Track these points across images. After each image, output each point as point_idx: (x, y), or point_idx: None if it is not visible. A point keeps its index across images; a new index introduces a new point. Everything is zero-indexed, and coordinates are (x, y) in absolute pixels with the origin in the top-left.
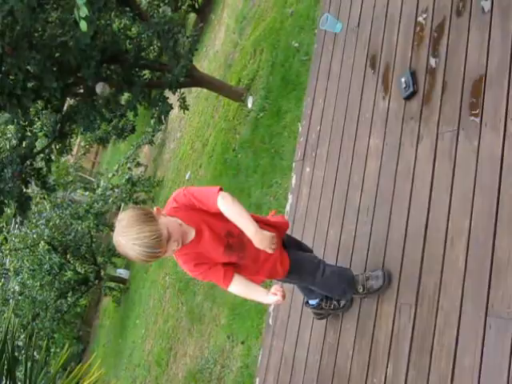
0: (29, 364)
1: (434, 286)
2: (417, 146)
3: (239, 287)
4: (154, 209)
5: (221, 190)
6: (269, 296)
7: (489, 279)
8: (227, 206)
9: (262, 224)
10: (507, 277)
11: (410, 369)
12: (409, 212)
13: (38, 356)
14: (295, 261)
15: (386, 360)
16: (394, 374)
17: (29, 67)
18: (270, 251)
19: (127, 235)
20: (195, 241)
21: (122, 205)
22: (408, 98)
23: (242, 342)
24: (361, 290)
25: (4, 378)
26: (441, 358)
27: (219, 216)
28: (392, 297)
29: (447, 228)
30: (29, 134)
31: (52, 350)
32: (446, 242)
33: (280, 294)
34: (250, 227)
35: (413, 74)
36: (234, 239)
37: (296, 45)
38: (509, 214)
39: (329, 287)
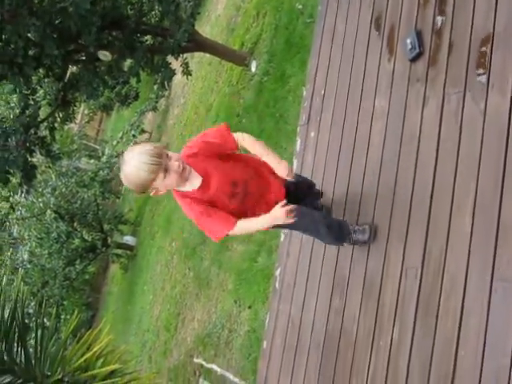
0: (39, 331)
1: (440, 249)
2: (423, 108)
3: (243, 225)
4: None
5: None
6: (274, 211)
7: (495, 243)
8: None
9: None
10: None
11: (416, 331)
12: (415, 175)
13: (48, 323)
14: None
15: (392, 323)
16: (400, 336)
17: (29, 34)
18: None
19: (130, 154)
20: (201, 189)
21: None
22: (414, 59)
23: (249, 307)
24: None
25: (16, 345)
26: (447, 320)
27: (229, 165)
28: (398, 260)
29: (453, 191)
30: (32, 102)
31: (62, 316)
32: (452, 205)
33: (285, 207)
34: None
35: (418, 35)
36: (239, 189)
37: (300, 7)
38: None
39: (321, 237)
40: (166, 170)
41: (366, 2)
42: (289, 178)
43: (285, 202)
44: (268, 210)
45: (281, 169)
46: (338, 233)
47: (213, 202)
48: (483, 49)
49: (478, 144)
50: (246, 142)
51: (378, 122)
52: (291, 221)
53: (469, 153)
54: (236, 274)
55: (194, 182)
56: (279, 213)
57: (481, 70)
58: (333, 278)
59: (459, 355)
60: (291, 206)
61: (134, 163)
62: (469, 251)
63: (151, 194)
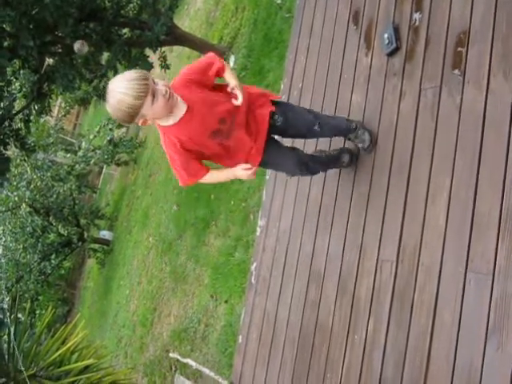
0: (13, 326)
1: (414, 243)
2: (399, 102)
3: (211, 176)
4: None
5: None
6: (237, 170)
7: (469, 235)
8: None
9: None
10: (487, 232)
11: (391, 324)
12: (390, 168)
13: (22, 318)
14: (269, 158)
15: (367, 316)
16: (375, 329)
17: (4, 25)
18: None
19: (115, 84)
20: (184, 119)
21: (104, 167)
22: (391, 54)
23: (226, 301)
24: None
25: None
26: (421, 313)
27: (221, 97)
28: (373, 254)
29: (428, 184)
30: (6, 94)
31: (37, 311)
32: (427, 199)
33: (249, 170)
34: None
35: (396, 30)
36: (225, 126)
37: (279, 1)
38: (490, 170)
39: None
40: (154, 95)
41: None
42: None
43: (245, 165)
44: (245, 156)
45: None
46: (320, 166)
47: (191, 142)
48: (459, 44)
49: (454, 138)
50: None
51: (355, 116)
52: (253, 177)
53: (444, 147)
54: (213, 268)
55: (179, 113)
56: (239, 173)
57: (457, 66)
58: (308, 272)
59: (433, 347)
60: (253, 170)
61: (120, 90)
62: (443, 244)
63: (139, 124)
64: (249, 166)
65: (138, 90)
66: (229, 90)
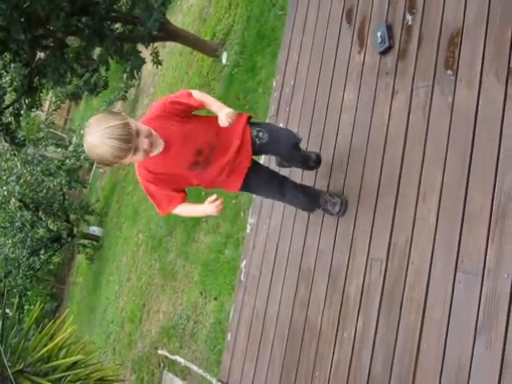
0: (0, 321)
1: (405, 241)
2: (391, 101)
3: (182, 209)
4: (122, 112)
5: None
6: (207, 207)
7: (459, 235)
8: (201, 94)
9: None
10: (478, 232)
11: (380, 323)
12: (382, 167)
13: (10, 313)
14: (252, 182)
15: (356, 314)
16: (364, 328)
17: None
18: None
19: (97, 130)
20: (162, 153)
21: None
22: (383, 52)
23: (215, 298)
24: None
25: None
26: (410, 312)
27: (192, 127)
28: (363, 252)
29: (419, 183)
30: None
31: (26, 307)
32: (418, 197)
33: (215, 203)
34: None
35: (389, 28)
36: (202, 158)
37: None
38: (481, 170)
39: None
40: (136, 150)
41: None
42: (223, 125)
43: (213, 197)
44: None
45: (221, 115)
46: (305, 203)
47: (170, 174)
48: (452, 43)
49: (445, 137)
50: (198, 96)
51: (347, 114)
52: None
53: (436, 145)
54: (202, 265)
55: (158, 148)
56: (209, 209)
57: (449, 65)
58: (298, 270)
59: (422, 346)
60: (219, 202)
61: (102, 141)
62: (433, 243)
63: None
64: (214, 197)
65: (120, 151)
66: (220, 123)
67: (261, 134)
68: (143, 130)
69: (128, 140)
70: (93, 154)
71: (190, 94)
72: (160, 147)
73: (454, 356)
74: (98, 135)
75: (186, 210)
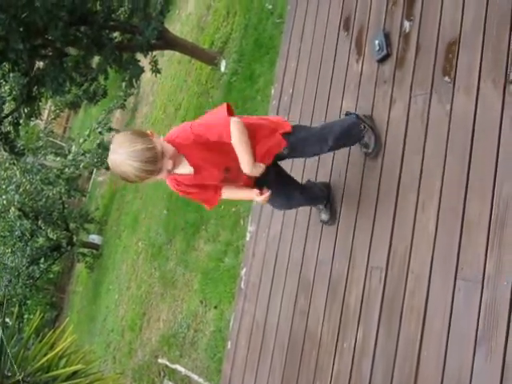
0: (0, 331)
1: (404, 250)
2: (389, 109)
3: (227, 194)
4: (148, 131)
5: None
6: (253, 192)
7: (459, 243)
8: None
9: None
10: (477, 240)
11: (380, 333)
12: (380, 175)
13: (10, 322)
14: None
15: (356, 324)
16: (364, 338)
17: None
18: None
19: (122, 151)
20: (193, 176)
21: (94, 170)
22: (381, 60)
23: (215, 307)
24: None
25: None
26: (410, 321)
27: (220, 151)
28: (363, 261)
29: (418, 191)
30: None
31: (25, 316)
32: (417, 206)
33: (266, 194)
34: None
35: (386, 36)
36: (231, 174)
37: (270, 7)
38: (480, 178)
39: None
40: (160, 170)
41: (335, 2)
42: (249, 174)
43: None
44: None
45: (243, 164)
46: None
47: (201, 185)
48: (449, 51)
49: (444, 144)
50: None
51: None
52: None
53: (434, 153)
54: (202, 273)
55: (186, 168)
56: (255, 196)
57: (447, 72)
58: (298, 278)
59: (422, 356)
60: (268, 194)
61: (128, 162)
62: (433, 251)
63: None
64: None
65: (144, 173)
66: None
67: (285, 150)
68: (168, 151)
69: (153, 162)
70: (117, 171)
71: (226, 123)
72: (186, 166)
73: (455, 366)
74: (123, 155)
75: (231, 192)
